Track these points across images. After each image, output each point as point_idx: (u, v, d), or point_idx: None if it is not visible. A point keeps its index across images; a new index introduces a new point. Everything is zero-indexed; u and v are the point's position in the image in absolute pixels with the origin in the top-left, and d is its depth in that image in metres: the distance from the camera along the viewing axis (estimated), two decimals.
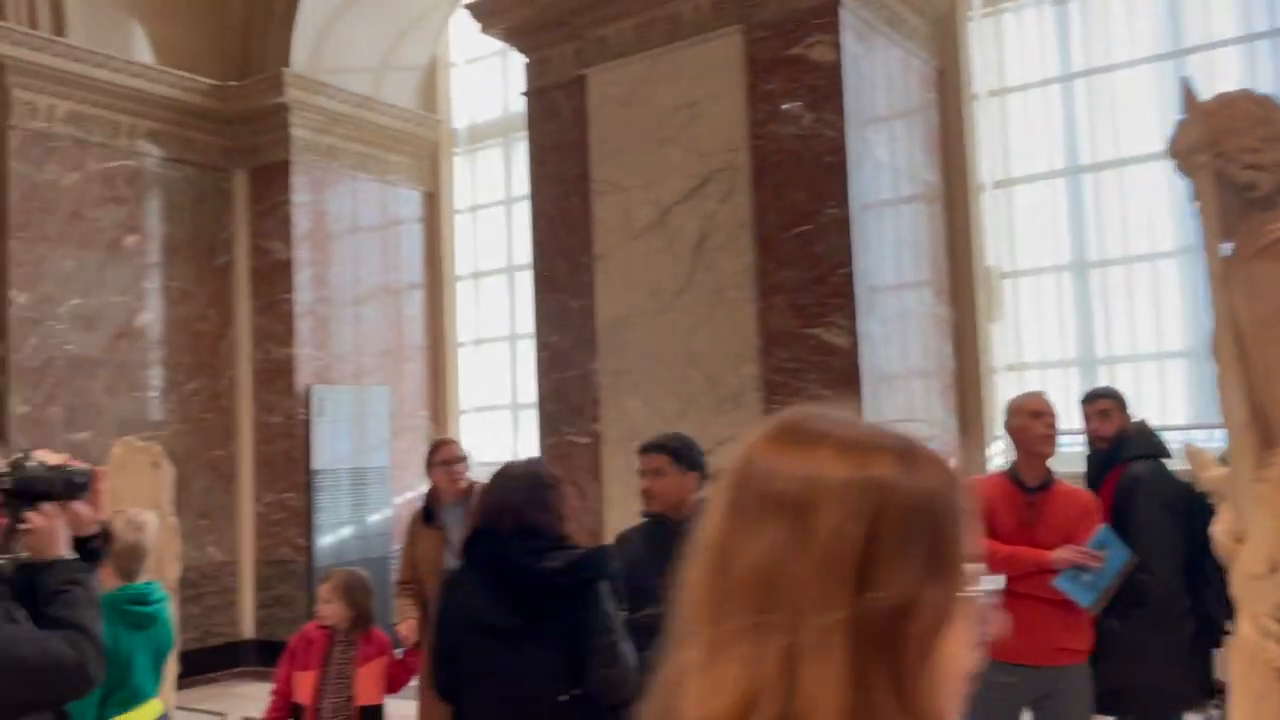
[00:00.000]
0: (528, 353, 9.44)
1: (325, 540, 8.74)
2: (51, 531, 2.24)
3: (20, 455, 2.27)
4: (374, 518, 9.18)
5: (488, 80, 10.01)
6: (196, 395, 8.95)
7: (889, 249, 6.48)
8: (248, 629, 9.01)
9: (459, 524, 5.03)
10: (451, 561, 4.52)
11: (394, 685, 4.73)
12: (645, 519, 3.72)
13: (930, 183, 7.03)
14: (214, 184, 9.17)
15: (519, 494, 3.11)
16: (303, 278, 9.05)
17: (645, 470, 3.66)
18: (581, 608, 2.98)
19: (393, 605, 5.44)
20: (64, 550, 2.27)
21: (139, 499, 4.99)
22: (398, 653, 4.80)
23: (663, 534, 3.47)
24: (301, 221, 9.08)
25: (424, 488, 9.86)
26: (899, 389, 6.46)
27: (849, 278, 6.02)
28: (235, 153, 9.26)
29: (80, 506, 2.30)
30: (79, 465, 2.32)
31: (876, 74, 6.55)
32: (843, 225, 6.06)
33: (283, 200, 9.06)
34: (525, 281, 9.44)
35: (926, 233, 6.92)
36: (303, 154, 9.11)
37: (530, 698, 2.97)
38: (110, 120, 8.44)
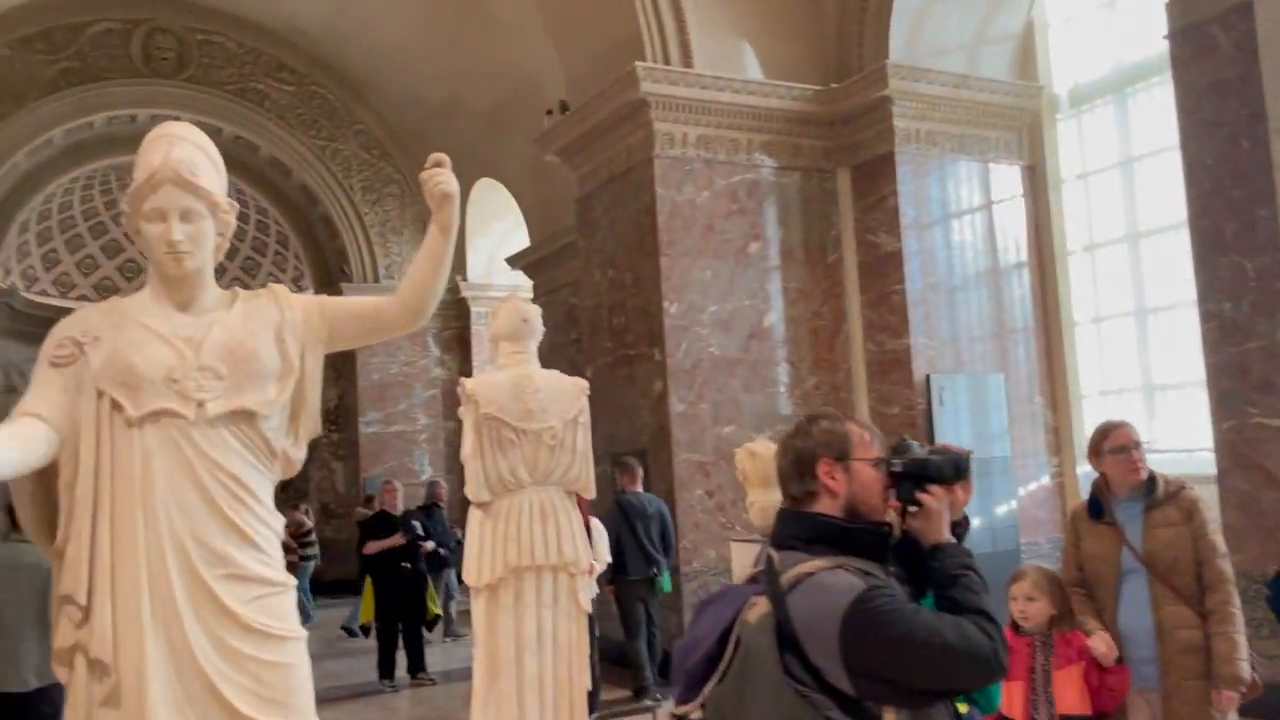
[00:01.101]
0: (1163, 328, 8.54)
1: None
2: (940, 515, 2.23)
3: (901, 440, 2.30)
4: (1000, 510, 8.85)
5: (1091, 37, 9.22)
6: (818, 389, 9.31)
7: None
8: None
9: (1136, 519, 4.48)
10: (1130, 562, 4.02)
11: (1102, 702, 4.28)
12: None
13: None
14: (819, 185, 9.49)
15: None
16: (912, 267, 9.02)
17: None
18: None
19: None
20: (946, 534, 2.25)
21: None
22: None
23: None
24: (907, 211, 9.06)
25: (1046, 479, 9.50)
26: None
27: None
28: (837, 152, 9.50)
29: (960, 491, 2.27)
30: (958, 449, 2.30)
31: None
32: None
33: (888, 192, 9.12)
34: (1156, 249, 8.55)
35: None
36: (904, 144, 9.09)
37: None
38: (731, 139, 9.09)
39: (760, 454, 4.66)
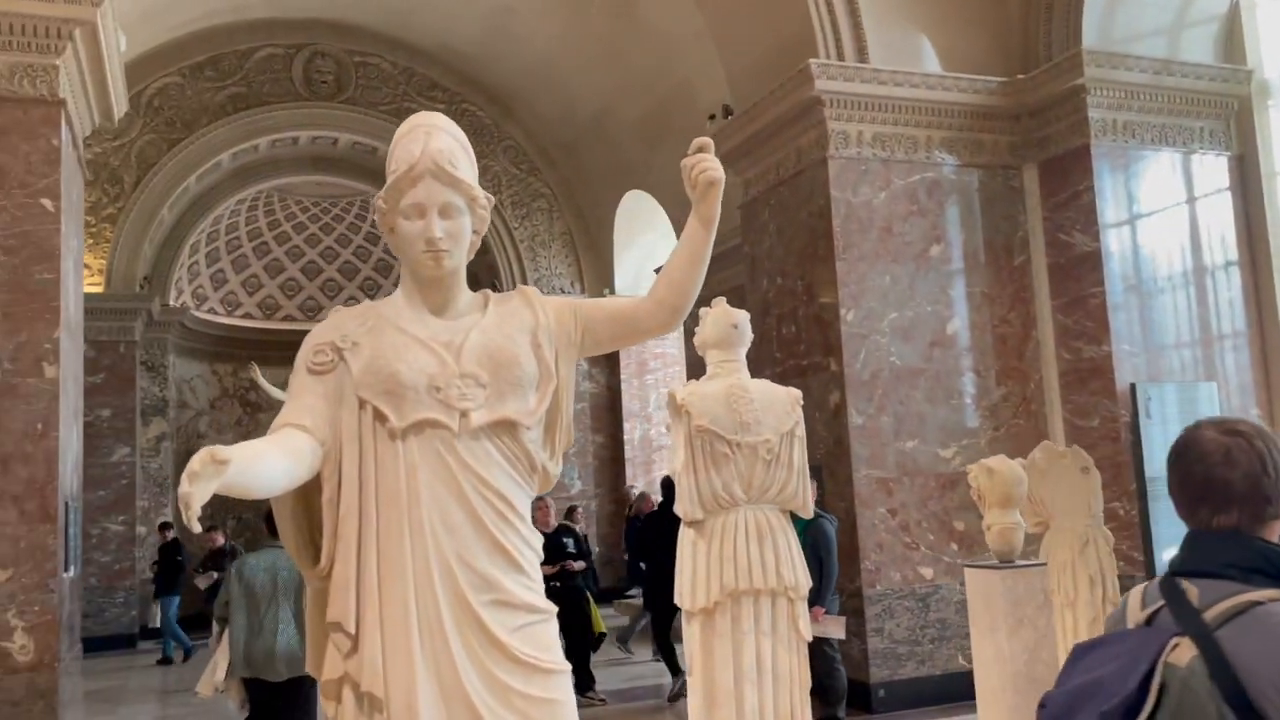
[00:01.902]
0: None
1: (1167, 554, 7.89)
2: None
3: None
4: None
5: None
6: (1006, 401, 8.74)
7: None
8: None
9: None
10: None
11: None
12: None
13: None
14: (1004, 183, 8.94)
15: None
16: (1110, 268, 8.39)
17: None
18: None
19: None
20: None
21: (1066, 505, 4.71)
22: None
23: None
24: (1104, 208, 8.43)
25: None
26: None
27: None
28: (1024, 148, 8.94)
29: None
30: None
31: None
32: None
33: (1083, 188, 8.50)
34: None
35: None
36: (1100, 136, 8.47)
37: None
38: (909, 136, 8.64)
39: (999, 472, 4.24)
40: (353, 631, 2.18)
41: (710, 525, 4.24)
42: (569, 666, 2.39)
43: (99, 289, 13.85)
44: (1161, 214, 8.58)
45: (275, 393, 16.25)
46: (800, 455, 4.37)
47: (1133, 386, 8.16)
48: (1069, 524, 4.68)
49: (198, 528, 1.85)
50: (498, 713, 2.22)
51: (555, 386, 2.48)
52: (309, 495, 2.34)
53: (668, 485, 10.72)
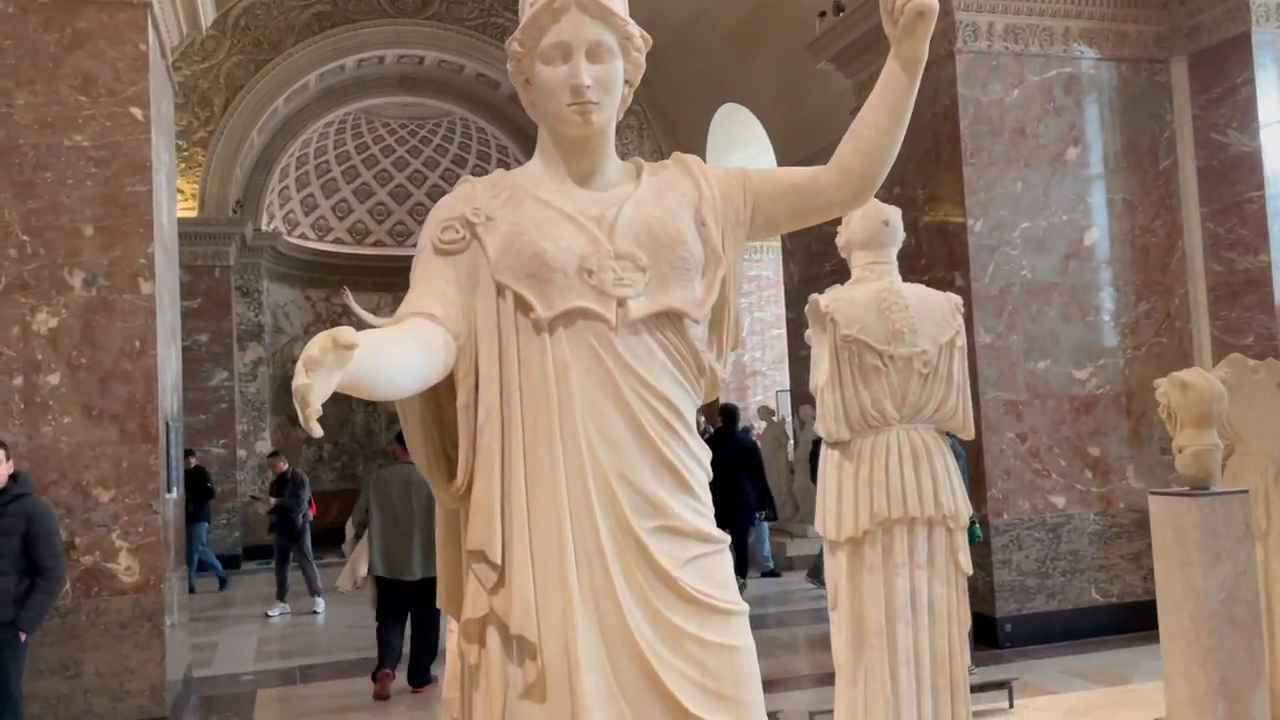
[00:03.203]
0: None
1: None
2: None
3: None
4: None
5: None
6: (1148, 317, 8.05)
7: None
8: None
9: None
10: None
11: None
12: None
13: None
14: (1149, 78, 8.13)
15: None
16: (1270, 171, 7.58)
17: None
18: None
19: None
20: None
21: (1258, 426, 4.15)
22: None
23: None
24: (1266, 103, 7.59)
25: None
26: None
27: None
28: (1171, 38, 8.10)
29: None
30: None
31: None
32: None
33: (1240, 81, 7.68)
34: None
35: None
36: (1262, 22, 7.60)
37: None
38: (1044, 27, 7.87)
39: (1195, 386, 3.70)
40: (499, 562, 1.80)
41: (858, 447, 3.79)
42: (746, 607, 1.99)
43: (192, 213, 13.81)
44: None
45: (369, 318, 15.98)
46: (961, 369, 3.88)
47: None
48: (1260, 447, 4.13)
49: (318, 430, 1.47)
50: (669, 661, 1.84)
51: (723, 274, 2.05)
52: (440, 399, 1.95)
53: (727, 412, 10.32)
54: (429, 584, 5.85)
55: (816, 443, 11.62)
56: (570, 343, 1.88)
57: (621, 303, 1.91)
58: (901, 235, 4.03)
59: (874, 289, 3.87)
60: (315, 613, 10.46)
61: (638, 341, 1.92)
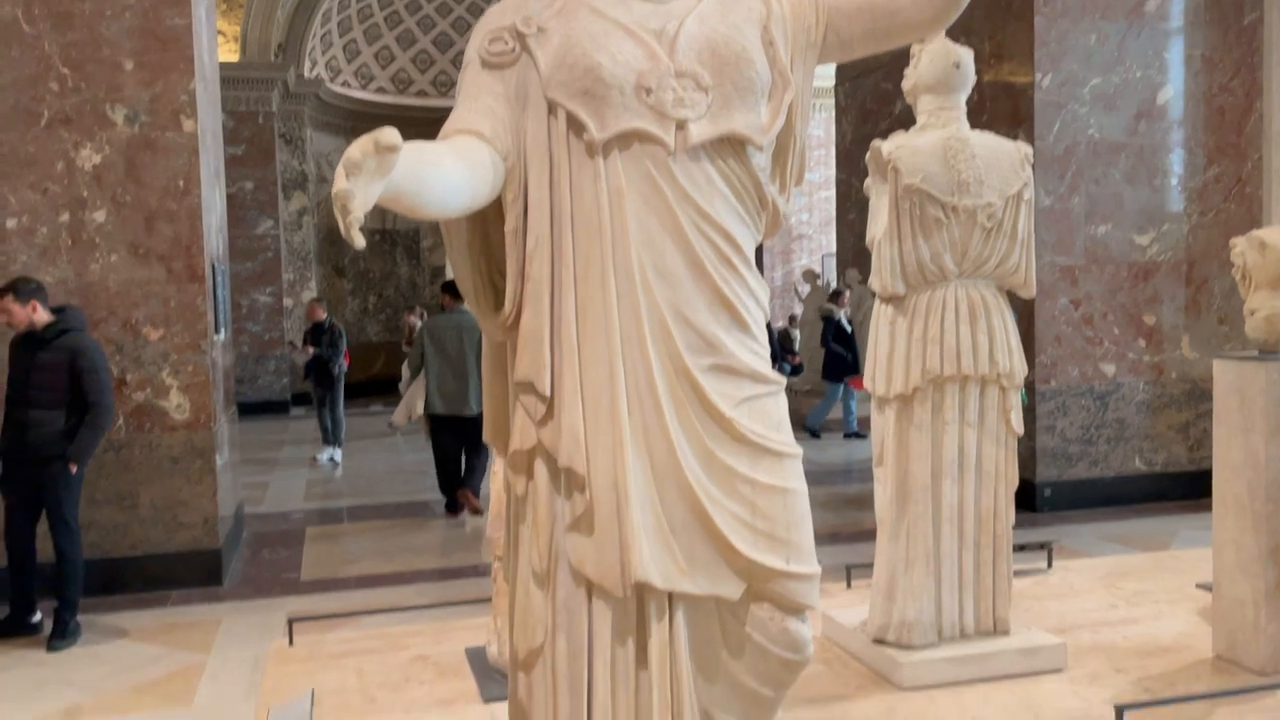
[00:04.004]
0: None
1: None
2: None
3: None
4: None
5: None
6: (1218, 183, 7.72)
7: None
8: None
9: None
10: None
11: None
12: None
13: None
14: None
15: None
16: None
17: None
18: None
19: None
20: None
21: None
22: None
23: None
24: None
25: None
26: None
27: None
28: None
29: None
30: None
31: None
32: None
33: None
34: None
35: None
36: None
37: None
38: None
39: (1274, 246, 3.52)
40: (548, 393, 1.74)
41: (913, 302, 3.67)
42: (800, 450, 1.93)
43: (234, 57, 13.57)
44: None
45: None
46: (1026, 223, 3.71)
47: None
48: None
49: (360, 241, 1.39)
50: (719, 500, 1.80)
51: (791, 99, 1.91)
52: (488, 225, 1.87)
53: None
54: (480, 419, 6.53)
55: (824, 319, 11.64)
56: (625, 168, 1.78)
57: (681, 125, 1.79)
58: (973, 79, 3.81)
59: (940, 136, 3.68)
60: (334, 462, 10.55)
61: (697, 169, 1.81)
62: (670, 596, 1.79)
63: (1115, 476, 7.66)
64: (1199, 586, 4.52)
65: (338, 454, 10.62)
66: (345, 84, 16.51)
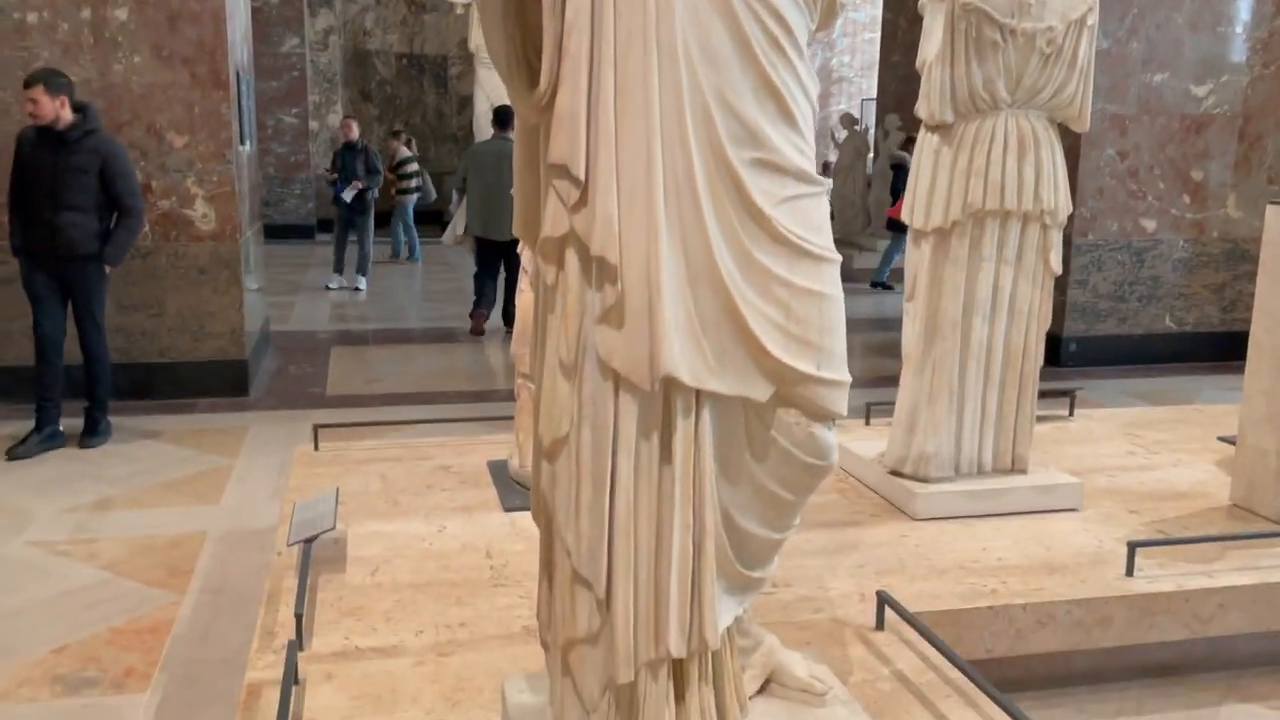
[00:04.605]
0: None
1: None
2: None
3: None
4: None
5: None
6: (1278, 33, 7.33)
7: None
8: None
9: None
10: None
11: None
12: None
13: None
14: None
15: None
16: None
17: None
18: None
19: None
20: None
21: None
22: None
23: None
24: None
25: None
26: None
27: None
28: None
29: None
30: None
31: None
32: None
33: None
34: None
35: None
36: None
37: None
38: None
39: None
40: (582, 177, 1.67)
41: (961, 131, 3.52)
42: (839, 257, 1.87)
43: None
44: None
45: None
46: (1088, 51, 3.52)
47: None
48: None
49: None
50: (752, 302, 1.74)
51: None
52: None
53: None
54: (518, 242, 7.10)
55: (895, 168, 11.22)
56: None
57: None
58: None
59: None
60: (358, 289, 10.38)
61: None
62: (697, 394, 1.77)
63: (1144, 334, 7.58)
64: (1220, 439, 4.51)
65: (363, 281, 10.49)
66: None
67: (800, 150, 1.79)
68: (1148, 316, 7.57)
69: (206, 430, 5.51)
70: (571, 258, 1.74)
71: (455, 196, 8.26)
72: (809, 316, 1.79)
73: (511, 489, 3.74)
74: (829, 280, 1.83)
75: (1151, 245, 7.46)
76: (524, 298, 3.68)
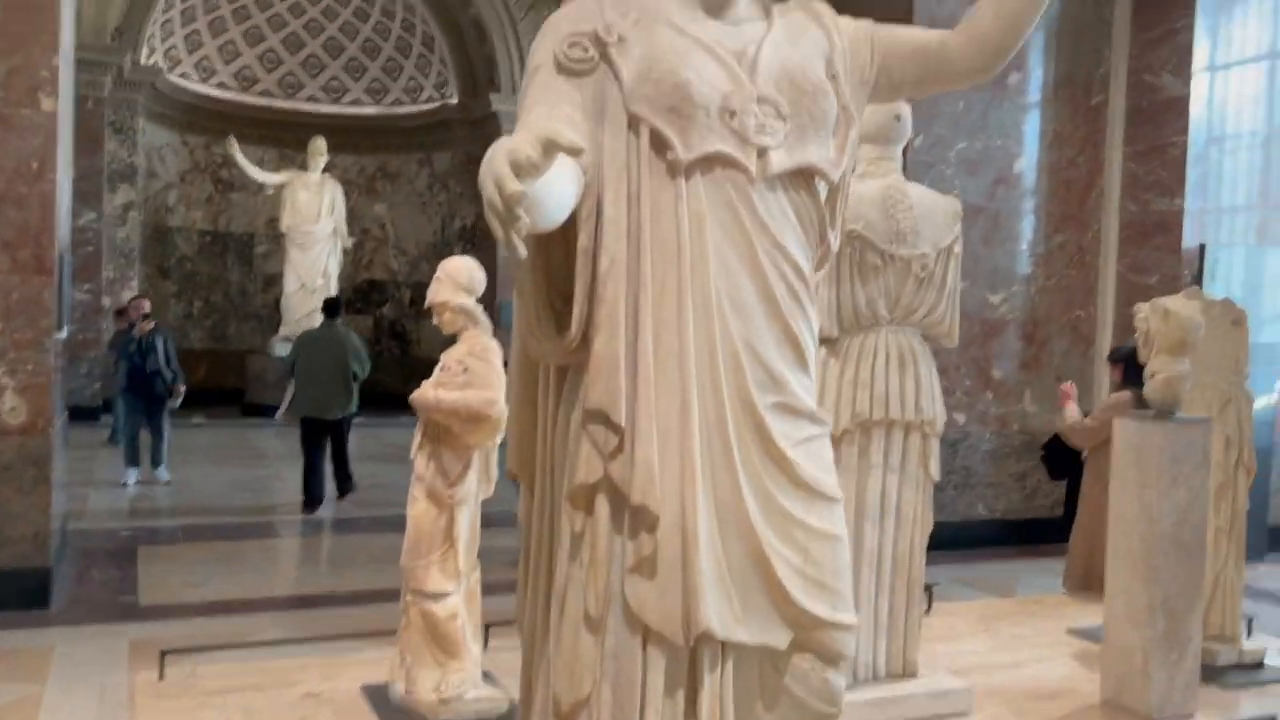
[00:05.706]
0: None
1: None
2: None
3: None
4: (1261, 402, 7.86)
5: None
6: (1061, 250, 8.27)
7: None
8: None
9: None
10: None
11: None
12: None
13: None
14: (1096, 13, 8.19)
15: None
16: (1196, 117, 7.80)
17: None
18: None
19: None
20: None
21: (1210, 360, 4.29)
22: None
23: None
24: (1201, 50, 7.77)
25: None
26: None
27: None
28: None
29: None
30: None
31: None
32: None
33: (1180, 26, 7.82)
34: None
35: None
36: None
37: None
38: None
39: (1176, 315, 3.77)
40: (623, 423, 1.63)
41: (846, 345, 3.73)
42: (842, 496, 1.89)
43: None
44: (1269, 62, 7.95)
45: (254, 171, 15.21)
46: (954, 276, 3.85)
47: (1202, 247, 7.72)
48: (1211, 380, 4.28)
49: (524, 250, 1.24)
50: (775, 546, 1.73)
51: (855, 134, 1.89)
52: (548, 242, 1.74)
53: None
54: (344, 421, 8.52)
55: None
56: (707, 192, 1.70)
57: (762, 153, 1.73)
58: (909, 132, 3.93)
59: (881, 185, 3.77)
60: (168, 483, 9.46)
61: (773, 199, 1.75)
62: (723, 646, 1.70)
63: (961, 521, 8.01)
64: (1070, 632, 4.76)
65: (164, 471, 9.58)
66: (184, 75, 15.56)
67: (810, 392, 1.83)
68: (963, 505, 8.04)
69: (3, 652, 4.83)
70: (602, 504, 1.67)
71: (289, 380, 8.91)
72: (824, 559, 1.79)
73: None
74: (839, 521, 1.84)
75: (963, 437, 8.00)
76: (417, 506, 3.50)
